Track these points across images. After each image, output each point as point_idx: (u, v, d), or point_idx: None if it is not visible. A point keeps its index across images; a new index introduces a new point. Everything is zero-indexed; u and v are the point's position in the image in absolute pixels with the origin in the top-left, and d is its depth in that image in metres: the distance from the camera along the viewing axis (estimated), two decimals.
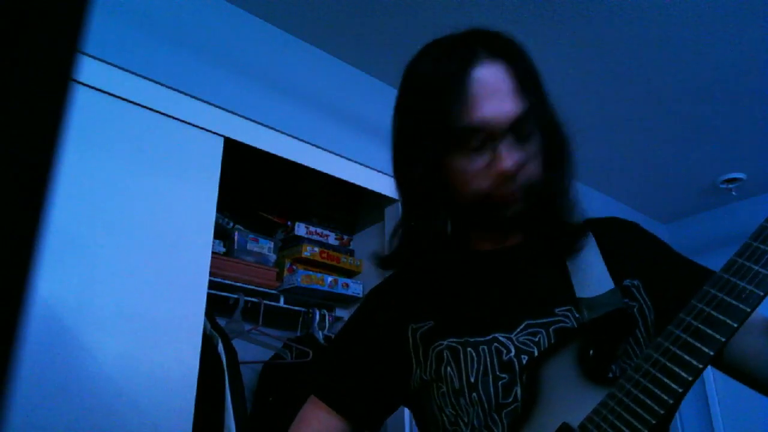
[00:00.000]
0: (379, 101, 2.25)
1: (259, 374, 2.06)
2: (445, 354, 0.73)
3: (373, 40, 2.06)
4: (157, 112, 1.57)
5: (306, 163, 1.90)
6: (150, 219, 1.48)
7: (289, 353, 2.05)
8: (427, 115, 0.71)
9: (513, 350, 0.69)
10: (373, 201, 2.26)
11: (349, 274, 2.31)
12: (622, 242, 0.78)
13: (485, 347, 0.71)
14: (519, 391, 0.68)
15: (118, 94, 1.50)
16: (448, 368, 0.72)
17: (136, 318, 1.38)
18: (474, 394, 0.69)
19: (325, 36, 2.04)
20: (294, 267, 2.16)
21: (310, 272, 2.12)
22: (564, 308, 0.71)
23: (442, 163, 0.72)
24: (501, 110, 0.67)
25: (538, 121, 0.71)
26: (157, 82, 1.60)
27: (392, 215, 2.19)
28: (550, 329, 0.70)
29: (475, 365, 0.70)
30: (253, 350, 2.05)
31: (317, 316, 2.11)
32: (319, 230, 2.30)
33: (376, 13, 1.93)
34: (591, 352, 0.65)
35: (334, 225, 2.39)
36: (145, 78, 1.58)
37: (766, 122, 2.54)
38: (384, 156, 2.23)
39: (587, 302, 0.70)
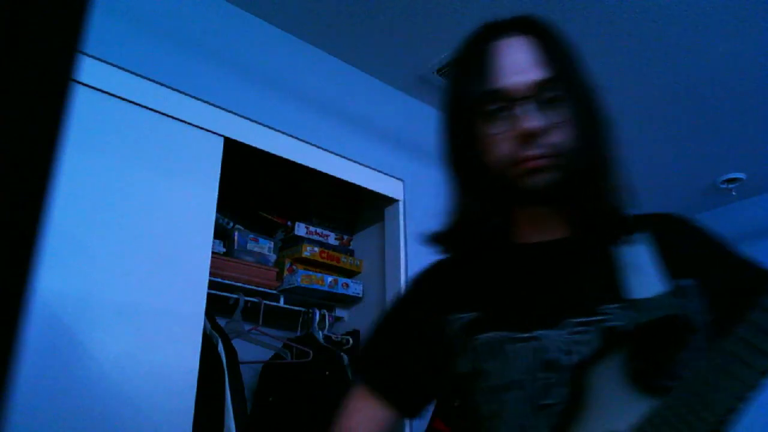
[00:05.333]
0: (379, 101, 2.25)
1: (259, 374, 2.06)
2: (487, 347, 0.72)
3: (373, 40, 2.06)
4: (157, 112, 1.57)
5: (306, 163, 1.90)
6: (150, 219, 1.48)
7: (289, 353, 2.05)
8: (459, 88, 0.77)
9: (557, 349, 0.68)
10: (373, 201, 2.26)
11: (349, 274, 2.31)
12: (677, 240, 0.75)
13: (529, 344, 0.69)
14: (562, 392, 0.65)
15: (118, 94, 1.50)
16: (490, 363, 0.71)
17: (136, 318, 1.38)
18: (516, 392, 0.68)
19: (325, 36, 2.04)
20: (294, 267, 2.16)
21: (310, 272, 2.12)
22: (612, 307, 0.68)
23: (475, 134, 0.74)
24: (520, 77, 0.71)
25: (563, 91, 0.71)
26: (157, 82, 1.60)
27: (392, 215, 2.19)
28: (598, 328, 0.67)
29: (518, 362, 0.69)
30: (253, 350, 2.05)
31: (317, 316, 2.11)
32: (319, 230, 2.30)
33: (376, 13, 1.93)
34: (643, 359, 0.62)
35: (334, 225, 2.39)
36: (145, 78, 1.58)
37: (766, 122, 2.54)
38: (384, 156, 2.22)
39: (640, 303, 0.67)
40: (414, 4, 1.88)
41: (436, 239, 0.83)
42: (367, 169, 2.09)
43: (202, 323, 1.51)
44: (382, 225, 2.23)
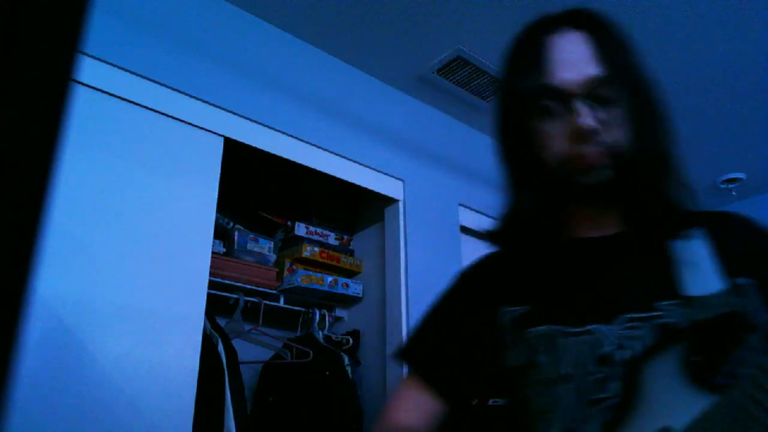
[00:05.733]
0: (379, 101, 2.25)
1: (259, 374, 2.06)
2: (538, 341, 0.72)
3: (373, 40, 2.06)
4: (157, 112, 1.57)
5: (306, 163, 1.90)
6: (150, 219, 1.48)
7: (289, 353, 2.05)
8: (512, 83, 0.76)
9: (611, 344, 0.67)
10: (373, 201, 2.26)
11: (349, 274, 2.31)
12: (736, 238, 0.74)
13: (582, 338, 0.69)
14: (616, 387, 0.65)
15: (118, 94, 1.50)
16: (542, 356, 0.71)
17: (136, 318, 1.38)
18: (568, 386, 0.68)
19: (325, 36, 2.04)
20: (294, 267, 2.16)
21: (310, 272, 2.12)
22: (668, 303, 0.67)
23: (529, 130, 0.74)
24: (575, 73, 0.70)
25: (618, 88, 0.70)
26: (157, 82, 1.60)
27: (392, 215, 2.19)
28: (652, 324, 0.67)
29: (571, 356, 0.69)
30: (253, 350, 2.05)
31: (317, 316, 2.11)
32: (319, 230, 2.30)
33: (376, 13, 1.93)
34: (701, 355, 0.62)
35: (334, 225, 2.39)
36: (145, 78, 1.58)
37: (766, 122, 2.54)
38: (384, 156, 2.23)
39: (697, 300, 0.67)
40: (414, 4, 1.88)
41: (491, 237, 0.82)
42: (367, 169, 2.09)
43: (202, 323, 1.51)
44: (382, 225, 2.23)
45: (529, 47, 0.74)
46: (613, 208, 0.76)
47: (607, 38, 0.73)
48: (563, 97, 0.70)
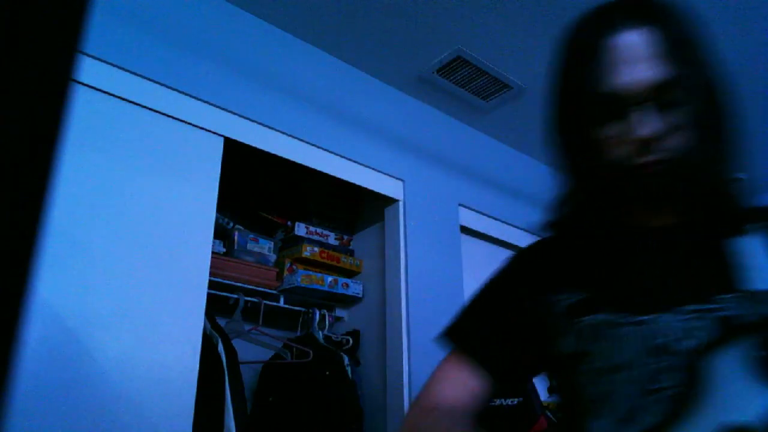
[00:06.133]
0: (379, 101, 2.25)
1: (259, 374, 2.06)
2: (593, 329, 0.71)
3: (373, 40, 2.06)
4: (157, 112, 1.57)
5: (306, 163, 1.90)
6: (150, 219, 1.48)
7: (289, 353, 2.05)
8: (569, 87, 0.74)
9: (672, 334, 0.66)
10: (373, 201, 2.26)
11: (349, 274, 2.31)
12: None
13: (638, 328, 0.68)
14: (675, 377, 0.64)
15: (118, 94, 1.50)
16: (599, 344, 0.70)
17: (136, 318, 1.38)
18: (624, 374, 0.67)
19: (325, 36, 2.04)
20: (294, 267, 2.16)
21: (310, 272, 2.12)
22: (728, 297, 0.66)
23: (587, 134, 0.72)
24: (637, 77, 0.66)
25: (687, 91, 0.67)
26: (157, 82, 1.60)
27: (392, 215, 2.19)
28: (715, 316, 0.66)
29: (628, 345, 0.68)
30: (253, 350, 2.05)
31: (317, 316, 2.11)
32: (319, 230, 2.30)
33: (376, 13, 1.93)
34: None
35: (334, 225, 2.39)
36: (145, 78, 1.58)
37: (766, 122, 2.54)
38: (384, 156, 2.23)
39: (762, 295, 0.65)
40: (414, 4, 1.88)
41: (547, 225, 0.81)
42: (367, 169, 2.09)
43: (202, 323, 1.51)
44: (382, 225, 2.23)
45: (587, 49, 0.71)
46: (672, 203, 0.75)
47: (671, 34, 0.69)
48: (623, 104, 0.67)
